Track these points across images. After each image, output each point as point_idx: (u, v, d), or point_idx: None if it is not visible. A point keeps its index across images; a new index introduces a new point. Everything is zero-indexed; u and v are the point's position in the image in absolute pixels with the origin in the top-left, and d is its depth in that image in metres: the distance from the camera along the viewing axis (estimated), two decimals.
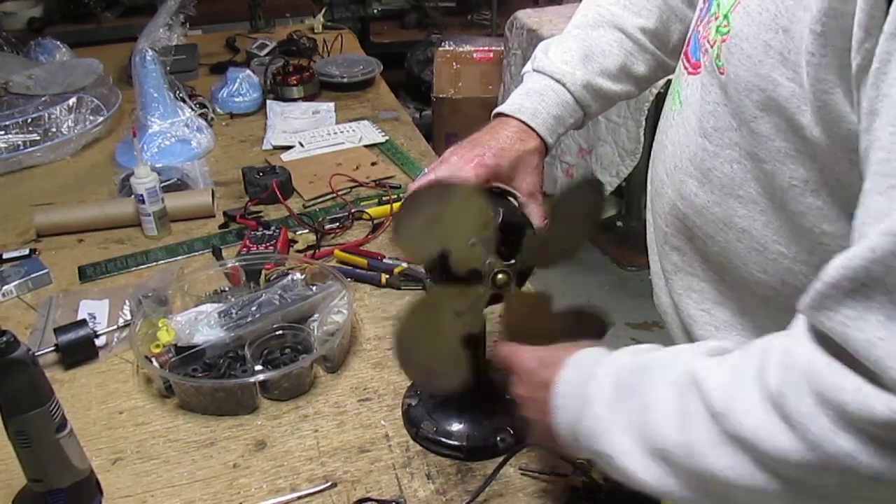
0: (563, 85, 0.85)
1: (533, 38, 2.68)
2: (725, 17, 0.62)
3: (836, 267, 0.44)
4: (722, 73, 0.62)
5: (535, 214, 0.81)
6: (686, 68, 0.72)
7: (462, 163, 0.80)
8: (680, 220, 0.72)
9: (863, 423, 0.44)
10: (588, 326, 0.78)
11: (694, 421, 0.52)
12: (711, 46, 0.64)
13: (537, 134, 0.84)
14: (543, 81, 0.86)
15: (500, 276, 0.73)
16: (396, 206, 1.33)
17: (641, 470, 0.56)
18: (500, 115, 0.86)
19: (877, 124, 0.45)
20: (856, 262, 0.43)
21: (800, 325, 0.49)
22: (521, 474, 0.83)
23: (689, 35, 0.74)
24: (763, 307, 0.68)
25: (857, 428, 0.44)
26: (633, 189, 2.82)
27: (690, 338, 0.77)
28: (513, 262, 0.74)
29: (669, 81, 0.91)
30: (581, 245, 0.80)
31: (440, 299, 0.73)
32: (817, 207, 0.58)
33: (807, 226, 0.59)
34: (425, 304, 0.73)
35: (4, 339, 0.68)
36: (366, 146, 1.60)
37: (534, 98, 0.85)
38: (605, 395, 0.60)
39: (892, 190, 0.43)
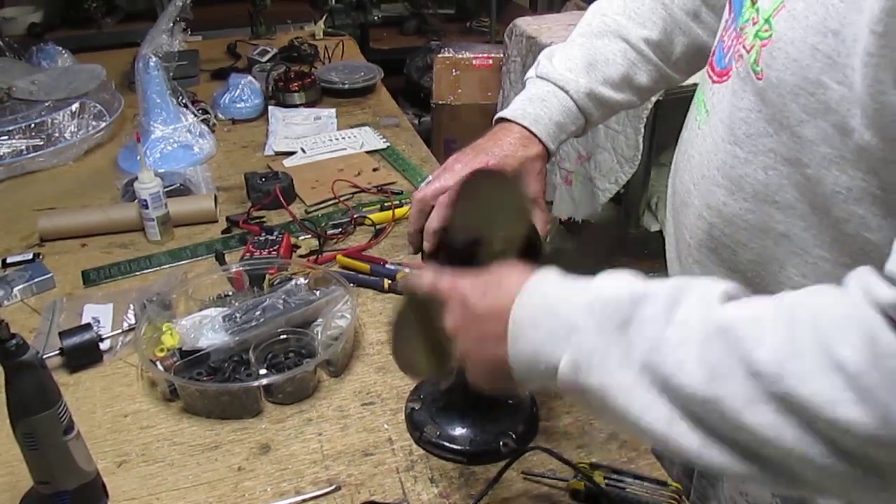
0: (567, 92, 0.86)
1: (532, 46, 2.70)
2: (767, 21, 0.61)
3: None
4: (760, 79, 0.61)
5: (540, 220, 0.82)
6: (711, 77, 0.72)
7: (466, 170, 0.80)
8: (705, 231, 0.72)
9: None
10: None
11: (726, 376, 0.48)
12: (748, 51, 0.63)
13: (539, 140, 0.84)
14: (546, 88, 0.87)
15: None
16: (398, 211, 1.34)
17: (646, 409, 0.52)
18: (501, 120, 0.87)
19: None
20: None
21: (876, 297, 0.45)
22: (524, 478, 0.84)
23: (714, 45, 0.75)
24: None
25: None
26: (631, 196, 2.83)
27: None
28: None
29: (667, 91, 0.92)
30: (597, 265, 0.80)
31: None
32: (859, 216, 0.58)
33: (850, 232, 0.59)
34: (421, 301, 0.73)
35: (14, 342, 0.69)
36: (367, 152, 1.61)
37: (536, 104, 0.86)
38: (591, 322, 0.54)
39: None
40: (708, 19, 0.89)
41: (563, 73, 0.86)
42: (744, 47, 0.64)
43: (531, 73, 0.90)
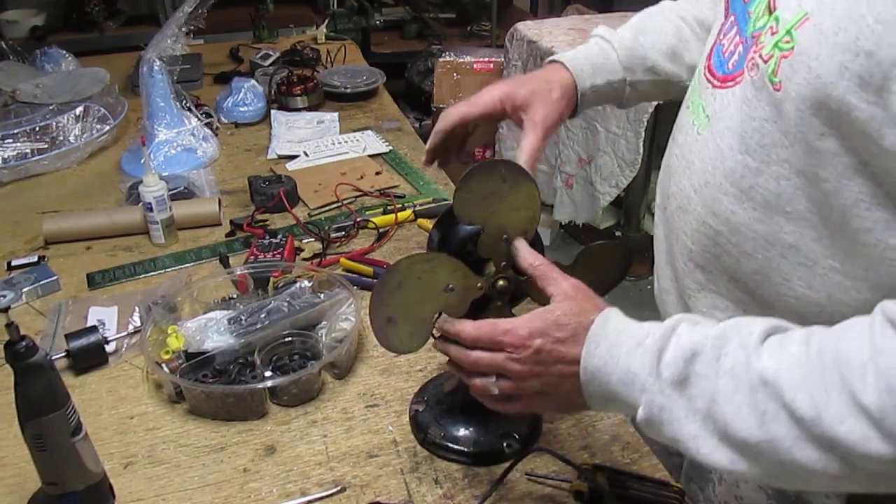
0: (609, 42, 0.91)
1: (533, 50, 2.71)
2: (788, 32, 0.59)
3: None
4: (777, 90, 0.60)
5: (527, 145, 0.84)
6: (711, 82, 0.72)
7: (485, 91, 0.86)
8: (710, 237, 0.72)
9: None
10: None
11: (774, 421, 0.55)
12: (765, 61, 0.62)
13: (569, 72, 0.89)
14: (592, 40, 0.92)
15: (501, 282, 0.76)
16: (401, 215, 1.34)
17: (712, 454, 0.59)
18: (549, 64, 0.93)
19: None
20: None
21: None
22: (528, 479, 0.84)
23: (709, 48, 0.75)
24: (798, 324, 0.66)
25: None
26: (632, 200, 2.84)
27: None
28: (522, 278, 0.77)
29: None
30: None
31: (440, 265, 0.75)
32: (884, 220, 0.58)
33: (869, 241, 0.59)
34: (426, 260, 0.75)
35: (24, 343, 0.70)
36: (370, 156, 1.62)
37: (578, 50, 0.92)
38: (656, 385, 0.61)
39: None
40: None
41: (610, 32, 0.92)
42: (760, 57, 0.63)
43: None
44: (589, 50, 0.90)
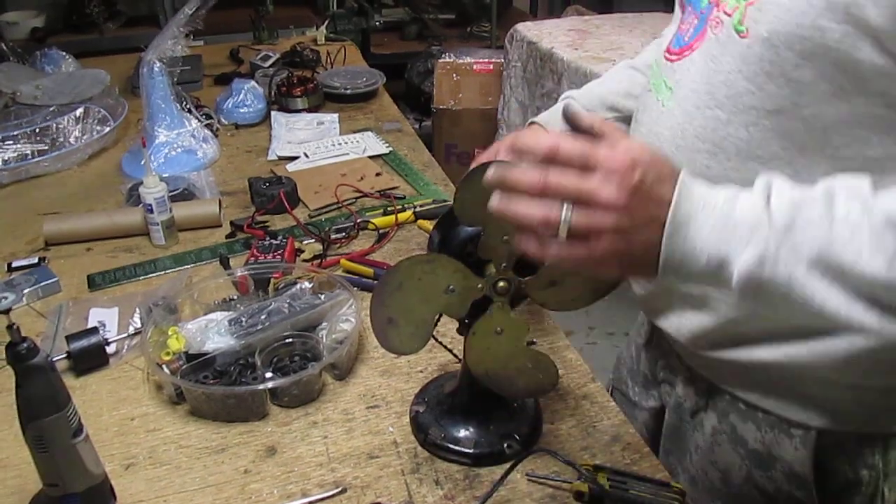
0: (571, 97, 1.01)
1: (533, 51, 2.71)
2: None
3: None
4: (744, 37, 0.65)
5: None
6: (669, 59, 0.77)
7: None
8: None
9: None
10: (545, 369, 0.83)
11: None
12: (730, 15, 0.66)
13: (543, 126, 0.98)
14: (559, 102, 1.02)
15: (501, 283, 0.77)
16: (401, 216, 1.35)
17: (826, 298, 0.58)
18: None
19: None
20: None
21: None
22: (529, 480, 0.84)
23: (668, 41, 0.80)
24: None
25: None
26: None
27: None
28: (523, 279, 0.77)
29: None
30: (579, 306, 0.82)
31: (441, 266, 0.75)
32: (862, 137, 0.64)
33: (848, 155, 0.65)
34: (426, 261, 0.75)
35: (25, 345, 0.70)
36: (370, 157, 1.62)
37: (549, 111, 1.01)
38: (768, 222, 0.58)
39: None
40: None
41: (574, 90, 1.03)
42: (724, 12, 0.68)
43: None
44: (556, 107, 1.00)
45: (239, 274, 1.13)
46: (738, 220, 0.59)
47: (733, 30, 0.67)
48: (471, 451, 0.87)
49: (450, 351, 1.00)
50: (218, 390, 0.93)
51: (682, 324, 0.84)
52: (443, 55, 3.20)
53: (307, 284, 1.08)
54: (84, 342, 1.01)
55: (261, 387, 0.93)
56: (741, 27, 0.66)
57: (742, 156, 0.69)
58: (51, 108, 1.65)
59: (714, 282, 0.61)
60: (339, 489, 0.84)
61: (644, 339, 1.04)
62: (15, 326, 0.69)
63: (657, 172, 0.60)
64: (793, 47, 0.62)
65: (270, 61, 2.10)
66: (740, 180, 0.66)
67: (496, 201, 0.63)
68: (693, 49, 0.73)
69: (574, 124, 0.66)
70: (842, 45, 0.59)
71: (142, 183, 1.27)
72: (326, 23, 2.57)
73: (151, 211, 1.27)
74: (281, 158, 1.63)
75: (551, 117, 0.99)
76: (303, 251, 1.28)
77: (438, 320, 0.86)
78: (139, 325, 1.08)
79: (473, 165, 0.75)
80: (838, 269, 0.57)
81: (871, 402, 0.78)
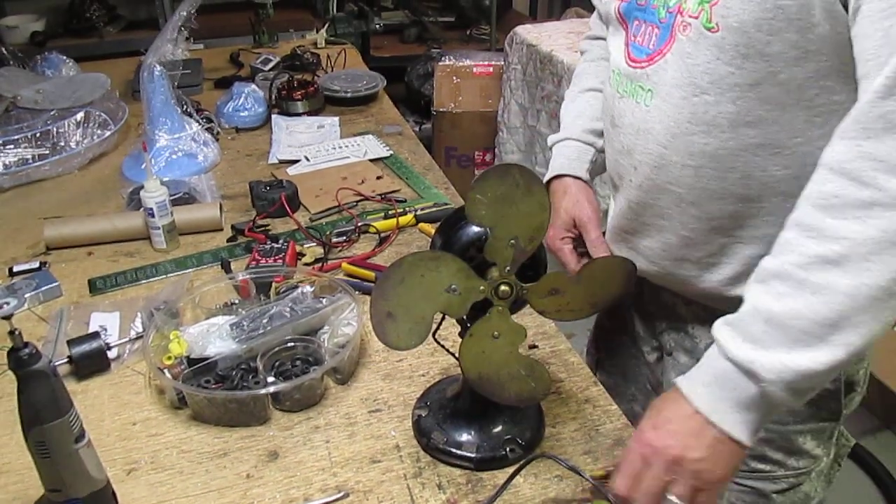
0: (568, 137, 1.09)
1: (532, 53, 2.71)
2: None
3: None
4: (715, 32, 0.76)
5: (594, 238, 1.01)
6: (638, 66, 0.86)
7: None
8: (693, 177, 0.84)
9: None
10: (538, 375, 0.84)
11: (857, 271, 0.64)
12: (696, 18, 0.78)
13: (568, 178, 1.06)
14: (556, 148, 1.11)
15: (504, 286, 0.77)
16: (402, 219, 1.35)
17: (828, 356, 0.65)
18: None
19: None
20: None
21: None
22: (532, 484, 0.84)
23: (621, 51, 0.90)
24: (766, 208, 0.83)
25: None
26: None
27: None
28: (525, 285, 0.78)
29: None
30: (578, 317, 0.83)
31: (445, 264, 0.75)
32: (828, 87, 0.75)
33: (821, 102, 0.76)
34: (431, 258, 0.75)
35: (27, 350, 0.70)
36: (370, 160, 1.62)
37: (559, 164, 1.09)
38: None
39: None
40: None
41: (562, 130, 1.11)
42: (690, 16, 0.79)
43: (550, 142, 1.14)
44: (562, 154, 1.08)
45: (240, 278, 1.13)
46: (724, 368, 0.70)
47: (703, 28, 0.77)
48: (473, 455, 0.86)
49: (452, 354, 1.00)
50: (220, 395, 0.93)
51: (705, 278, 0.92)
52: (443, 58, 3.20)
53: (309, 288, 1.08)
54: (85, 347, 1.01)
55: (263, 391, 0.93)
56: (710, 24, 0.76)
57: (734, 126, 0.79)
58: (51, 113, 1.65)
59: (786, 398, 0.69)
60: (342, 494, 0.84)
61: (629, 302, 1.11)
62: (16, 332, 0.69)
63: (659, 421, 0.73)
64: (761, 28, 0.73)
65: (271, 65, 2.10)
66: (737, 146, 0.80)
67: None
68: (664, 53, 0.83)
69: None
70: (800, 16, 0.71)
71: (143, 187, 1.27)
72: (326, 26, 2.57)
73: (152, 215, 1.27)
74: (282, 162, 1.63)
75: (570, 165, 1.07)
76: (304, 255, 1.28)
77: (441, 323, 0.86)
78: (141, 330, 1.08)
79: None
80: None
81: None
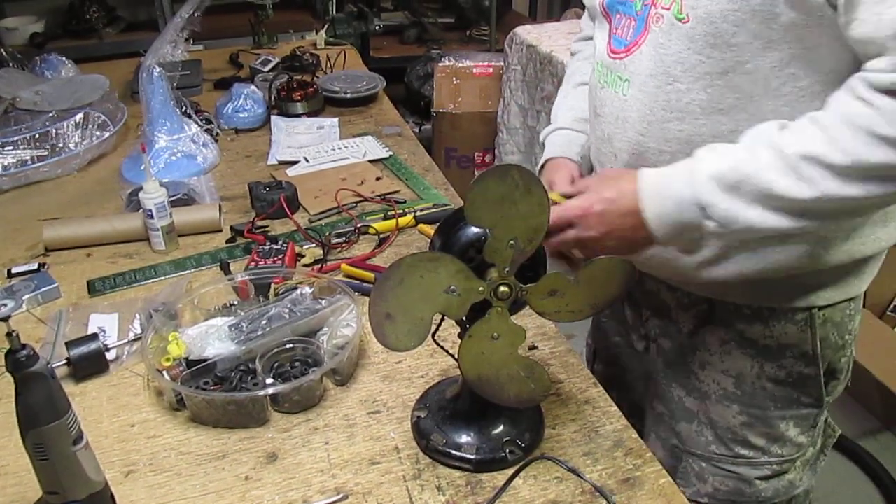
0: (558, 125, 1.13)
1: (532, 54, 2.71)
2: None
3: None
4: (686, 23, 0.81)
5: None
6: (617, 57, 0.91)
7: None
8: (669, 160, 0.86)
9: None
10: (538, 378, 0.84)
11: (822, 180, 0.72)
12: (668, 9, 0.82)
13: (560, 158, 1.09)
14: (550, 138, 1.14)
15: (503, 287, 0.77)
16: (402, 220, 1.34)
17: (770, 220, 0.75)
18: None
19: None
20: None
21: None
22: (531, 486, 0.84)
23: (603, 44, 0.94)
24: None
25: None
26: None
27: None
28: (525, 286, 0.77)
29: None
30: (577, 319, 0.83)
31: (444, 265, 0.75)
32: (793, 75, 0.80)
33: (786, 90, 0.80)
34: (430, 259, 0.75)
35: (24, 352, 0.69)
36: (370, 161, 1.62)
37: (547, 149, 1.12)
38: (716, 187, 0.76)
39: None
40: None
41: (553, 122, 1.14)
42: (662, 8, 0.83)
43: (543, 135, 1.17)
44: (552, 141, 1.12)
45: (239, 279, 1.13)
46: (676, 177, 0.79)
47: (675, 19, 0.82)
48: (472, 456, 0.86)
49: (451, 356, 1.00)
50: (218, 396, 0.93)
51: (682, 263, 0.95)
52: (442, 59, 3.19)
53: (308, 289, 1.08)
54: (84, 348, 1.01)
55: (261, 393, 0.92)
56: (681, 15, 0.81)
57: (706, 112, 0.84)
58: (50, 114, 1.65)
59: (696, 227, 0.79)
60: (341, 496, 0.83)
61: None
62: (14, 334, 0.69)
63: (611, 186, 0.83)
64: (727, 19, 0.78)
65: (270, 66, 2.10)
66: (710, 131, 0.84)
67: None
68: (639, 44, 0.87)
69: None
70: (763, 7, 0.76)
71: (142, 188, 1.27)
72: (326, 27, 2.57)
73: (151, 216, 1.27)
74: (281, 163, 1.63)
75: (561, 149, 1.10)
76: (303, 256, 1.27)
77: (440, 324, 0.86)
78: (139, 331, 1.08)
79: None
80: (781, 202, 0.74)
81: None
